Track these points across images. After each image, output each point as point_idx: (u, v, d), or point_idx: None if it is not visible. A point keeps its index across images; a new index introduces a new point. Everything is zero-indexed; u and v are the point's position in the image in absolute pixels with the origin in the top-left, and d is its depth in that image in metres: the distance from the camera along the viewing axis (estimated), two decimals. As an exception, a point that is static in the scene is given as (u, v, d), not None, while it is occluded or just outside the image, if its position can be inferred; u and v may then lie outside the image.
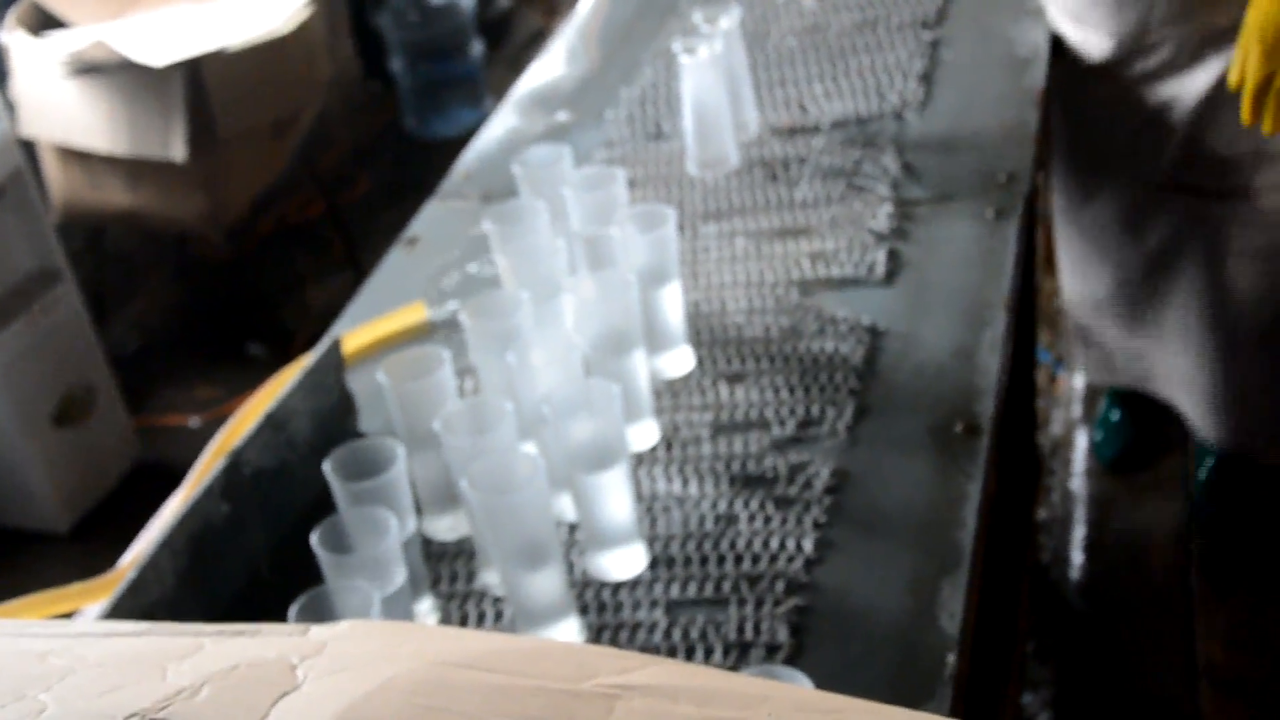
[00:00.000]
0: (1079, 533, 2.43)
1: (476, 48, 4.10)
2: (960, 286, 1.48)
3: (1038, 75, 1.85)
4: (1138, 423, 2.55)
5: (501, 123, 1.99)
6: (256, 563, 1.22)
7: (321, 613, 1.02)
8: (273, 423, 1.25)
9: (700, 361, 1.43)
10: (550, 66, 2.13)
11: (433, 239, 1.74)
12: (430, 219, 1.79)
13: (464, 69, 4.07)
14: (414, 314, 1.59)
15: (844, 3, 2.10)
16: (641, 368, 1.30)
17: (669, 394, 1.39)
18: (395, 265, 1.71)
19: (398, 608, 1.06)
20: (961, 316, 1.43)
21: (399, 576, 1.07)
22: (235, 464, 1.19)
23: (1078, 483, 2.53)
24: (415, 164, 3.60)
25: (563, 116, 1.97)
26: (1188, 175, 2.05)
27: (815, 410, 1.33)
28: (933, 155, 1.73)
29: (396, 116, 4.05)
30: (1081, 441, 2.60)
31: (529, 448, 1.21)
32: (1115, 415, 2.54)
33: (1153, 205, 2.13)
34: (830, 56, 1.98)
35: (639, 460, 1.31)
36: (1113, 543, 2.42)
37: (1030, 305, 2.07)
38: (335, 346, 1.36)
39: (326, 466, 1.14)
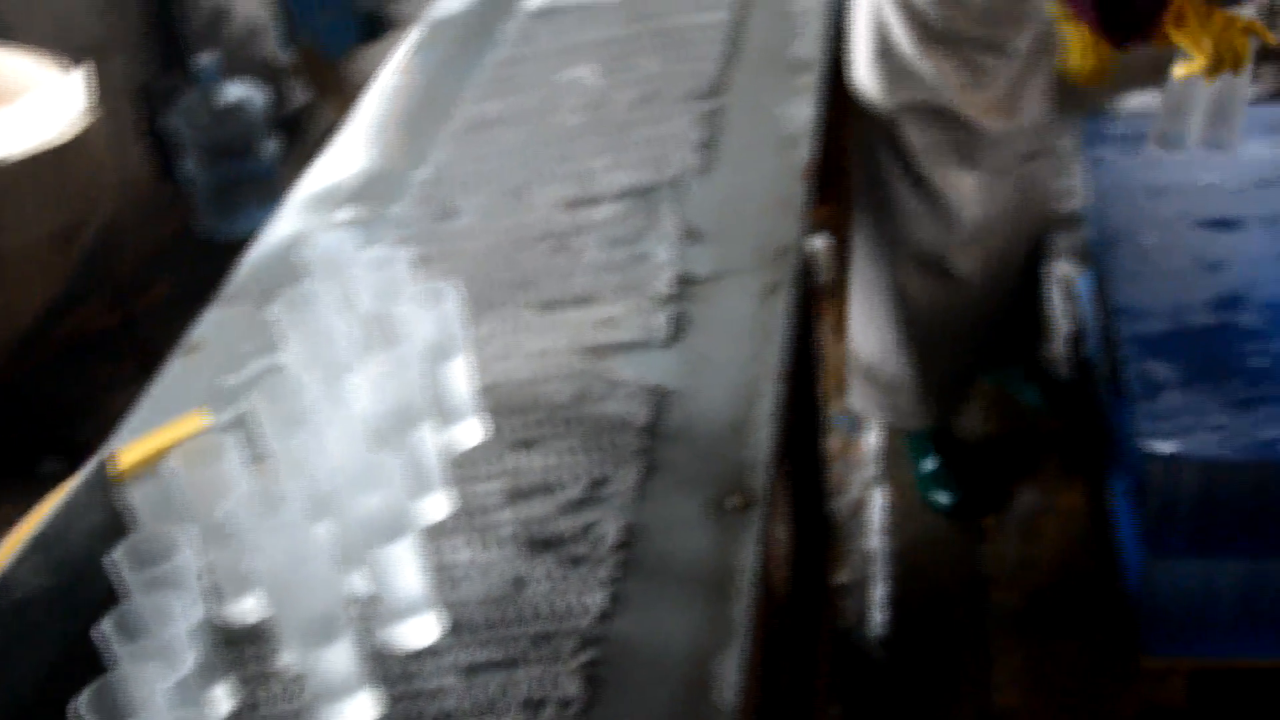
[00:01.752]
0: (879, 590, 2.54)
1: (270, 146, 4.13)
2: (736, 358, 1.56)
3: (804, 152, 1.95)
4: (956, 465, 2.70)
5: (285, 222, 2.02)
6: (22, 692, 1.22)
7: (110, 703, 1.04)
8: (39, 545, 1.25)
9: (492, 430, 1.49)
10: (336, 161, 2.18)
11: (215, 344, 1.75)
12: (212, 323, 1.80)
13: (258, 168, 4.09)
14: (194, 422, 1.59)
15: (624, 79, 2.20)
16: (430, 441, 1.35)
17: (461, 465, 1.45)
18: (176, 373, 1.70)
19: (187, 693, 1.09)
20: (737, 388, 1.51)
21: (187, 662, 1.10)
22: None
23: (876, 541, 2.64)
24: (212, 266, 3.59)
25: (348, 213, 2.01)
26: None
27: (605, 470, 1.40)
28: (712, 225, 1.82)
29: (191, 219, 4.05)
30: (879, 501, 2.72)
31: (321, 527, 1.25)
32: (930, 464, 2.68)
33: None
34: (612, 130, 2.07)
35: (434, 531, 1.36)
36: (913, 597, 2.53)
37: (811, 373, 2.16)
38: (102, 465, 1.38)
39: (112, 558, 1.16)
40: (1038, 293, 2.85)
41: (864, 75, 2.49)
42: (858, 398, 2.77)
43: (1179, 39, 2.12)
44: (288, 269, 1.78)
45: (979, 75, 2.44)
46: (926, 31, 2.40)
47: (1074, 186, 3.63)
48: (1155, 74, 2.67)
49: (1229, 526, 2.22)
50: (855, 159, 2.66)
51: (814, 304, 2.29)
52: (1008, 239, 2.63)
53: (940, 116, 2.46)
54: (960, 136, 2.48)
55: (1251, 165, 2.77)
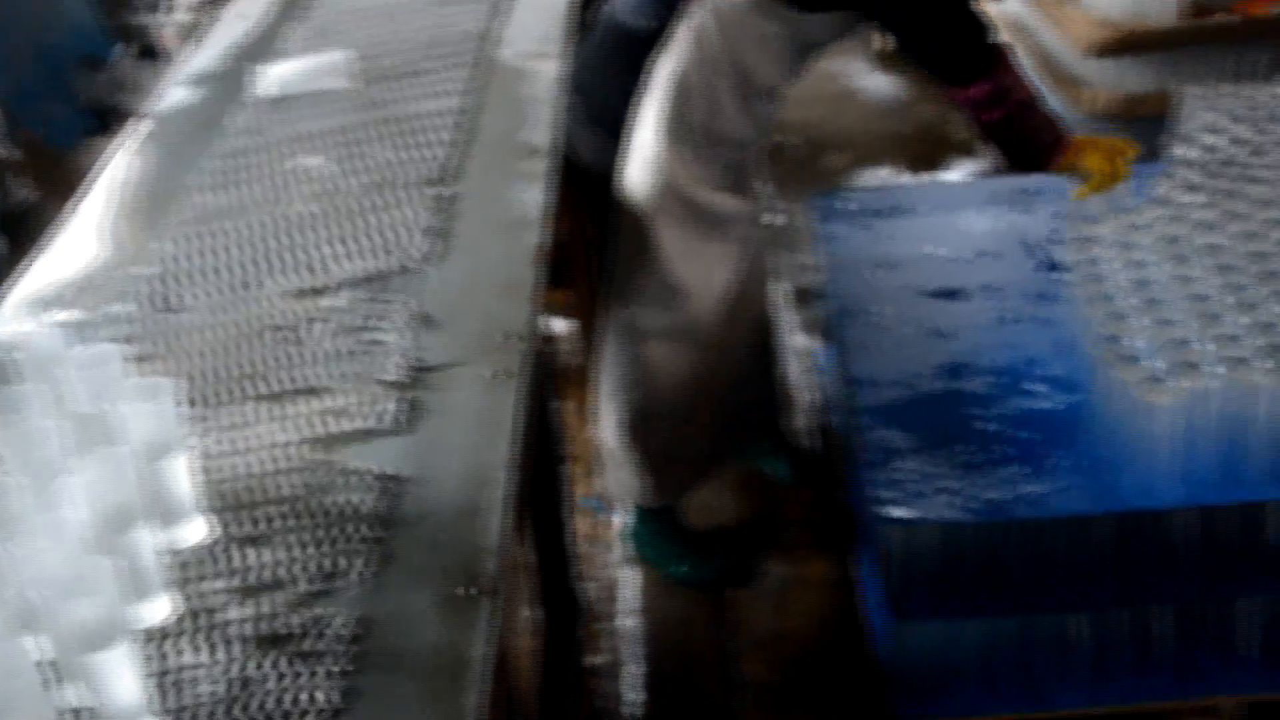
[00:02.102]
0: (633, 670, 2.57)
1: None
2: (469, 445, 1.58)
3: (535, 236, 1.98)
4: (701, 541, 2.76)
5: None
6: None
7: None
8: None
9: (218, 528, 1.47)
10: (56, 259, 2.12)
11: None
12: None
13: (-19, 267, 3.95)
14: None
15: (355, 167, 2.21)
16: (149, 542, 1.33)
17: (186, 565, 1.42)
18: None
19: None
20: (470, 475, 1.53)
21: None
22: None
23: (629, 621, 2.68)
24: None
25: (68, 313, 1.95)
26: None
27: (336, 563, 1.40)
28: (444, 311, 1.84)
29: (-92, 321, 3.89)
30: (630, 581, 2.77)
31: (31, 637, 1.21)
32: (675, 541, 2.73)
33: None
34: (343, 218, 2.07)
35: (156, 634, 1.33)
36: (666, 675, 2.58)
37: (551, 457, 2.18)
38: None
39: None
40: (776, 366, 2.95)
41: (628, 164, 2.57)
42: (607, 480, 2.81)
43: (1071, 168, 2.61)
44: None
45: (719, 168, 2.57)
46: (687, 132, 2.51)
47: (809, 261, 3.79)
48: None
49: (967, 587, 2.32)
50: (598, 240, 2.73)
51: (552, 388, 2.33)
52: (746, 310, 2.72)
53: (682, 200, 2.55)
54: (701, 216, 2.58)
55: (972, 236, 2.93)
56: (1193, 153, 2.74)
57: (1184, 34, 3.82)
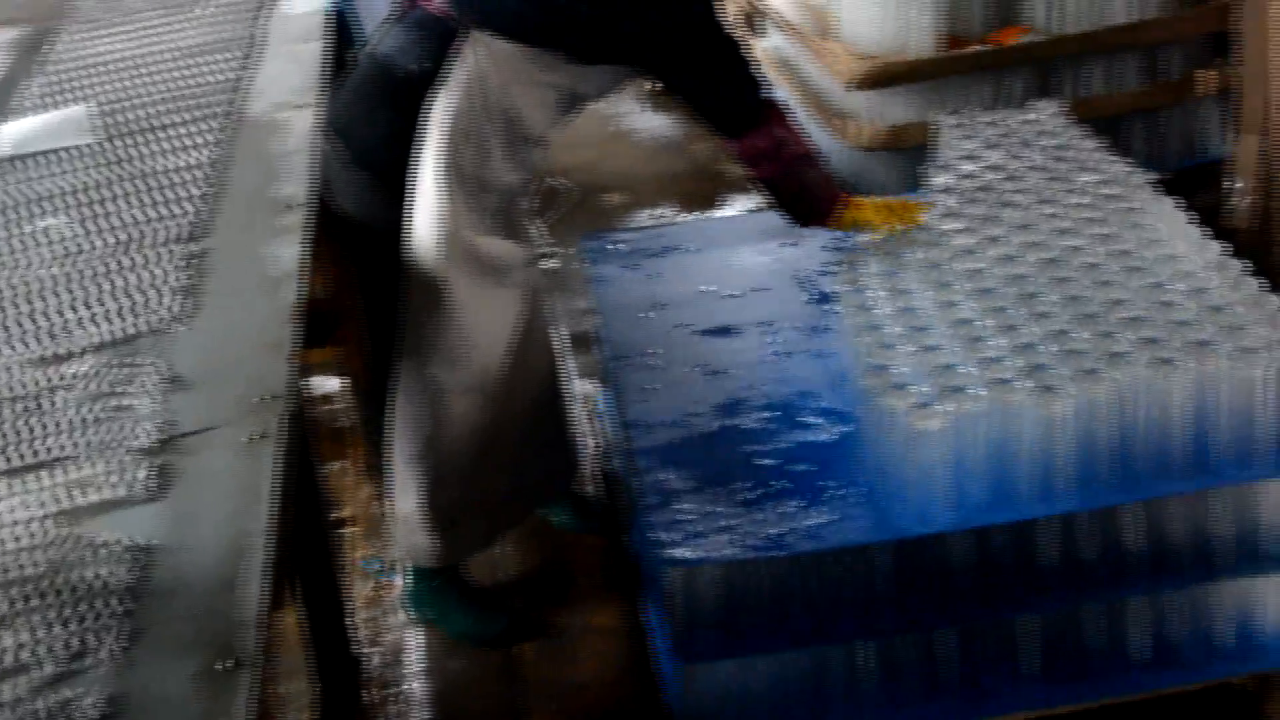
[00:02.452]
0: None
1: None
2: (225, 512, 1.56)
3: (292, 293, 1.97)
4: (484, 596, 2.77)
5: None
6: None
7: None
8: None
9: None
10: None
11: None
12: None
13: None
14: None
15: (99, 226, 2.17)
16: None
17: None
18: None
19: None
20: (226, 544, 1.51)
21: None
22: None
23: (415, 684, 2.67)
24: None
25: None
26: None
27: (86, 641, 1.37)
28: (197, 373, 1.82)
29: None
30: (415, 643, 2.76)
31: None
32: (458, 599, 2.73)
33: None
34: (88, 281, 2.03)
35: None
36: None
37: (319, 520, 2.16)
38: None
39: None
40: (565, 414, 2.97)
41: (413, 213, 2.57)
42: (396, 543, 2.78)
43: (854, 224, 2.77)
44: None
45: (491, 214, 2.59)
46: (460, 178, 2.53)
47: (585, 305, 3.84)
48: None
49: (753, 624, 2.37)
50: (370, 293, 2.73)
51: (318, 450, 2.31)
52: (532, 359, 2.74)
53: (465, 248, 2.56)
54: (484, 264, 2.58)
55: (745, 272, 3.01)
56: (951, 180, 2.86)
57: (942, 65, 3.99)
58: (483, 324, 2.61)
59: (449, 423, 2.63)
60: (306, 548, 2.06)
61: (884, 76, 3.97)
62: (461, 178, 2.53)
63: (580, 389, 3.61)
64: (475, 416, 2.64)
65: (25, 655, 1.36)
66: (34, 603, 1.43)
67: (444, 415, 2.62)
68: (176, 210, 2.18)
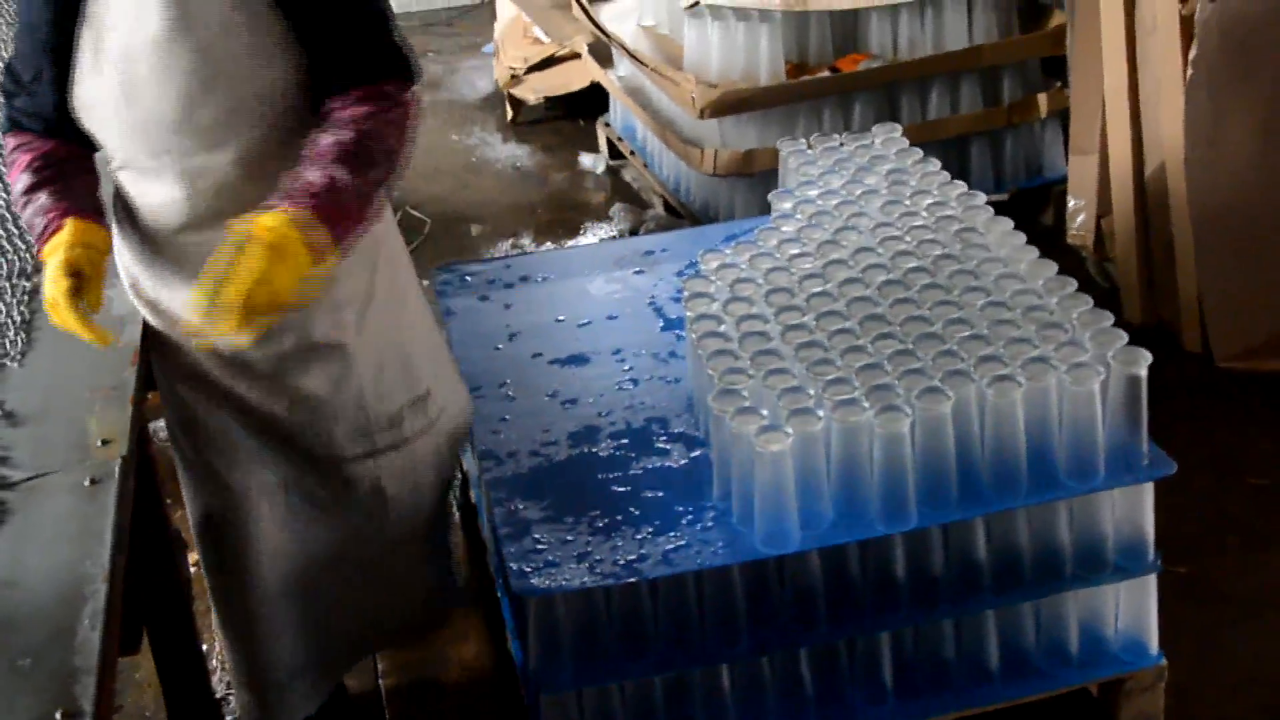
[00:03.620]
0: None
1: None
2: (63, 558, 1.58)
3: (134, 335, 1.97)
4: None
5: None
6: None
7: None
8: None
9: None
10: None
11: None
12: None
13: None
14: None
15: None
16: None
17: None
18: None
19: None
20: (64, 590, 1.52)
21: None
22: None
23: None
24: None
25: None
26: None
27: None
28: (34, 412, 1.82)
29: None
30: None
31: None
32: None
33: None
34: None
35: None
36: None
37: (169, 565, 2.14)
38: None
39: None
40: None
41: None
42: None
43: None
44: None
45: None
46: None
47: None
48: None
49: (611, 650, 2.41)
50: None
51: (165, 490, 2.30)
52: None
53: None
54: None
55: (598, 300, 3.06)
56: (793, 206, 2.94)
57: (786, 91, 4.11)
58: None
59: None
60: (158, 592, 2.06)
61: (730, 104, 4.07)
62: None
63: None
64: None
65: None
66: None
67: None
68: (19, 244, 2.18)
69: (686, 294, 2.74)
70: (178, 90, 1.96)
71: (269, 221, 1.87)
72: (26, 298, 2.06)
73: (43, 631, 1.46)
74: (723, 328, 2.60)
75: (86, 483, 1.69)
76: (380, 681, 2.84)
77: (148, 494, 1.94)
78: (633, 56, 4.49)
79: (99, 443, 1.77)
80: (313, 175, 1.96)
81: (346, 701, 2.62)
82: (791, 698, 2.53)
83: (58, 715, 1.34)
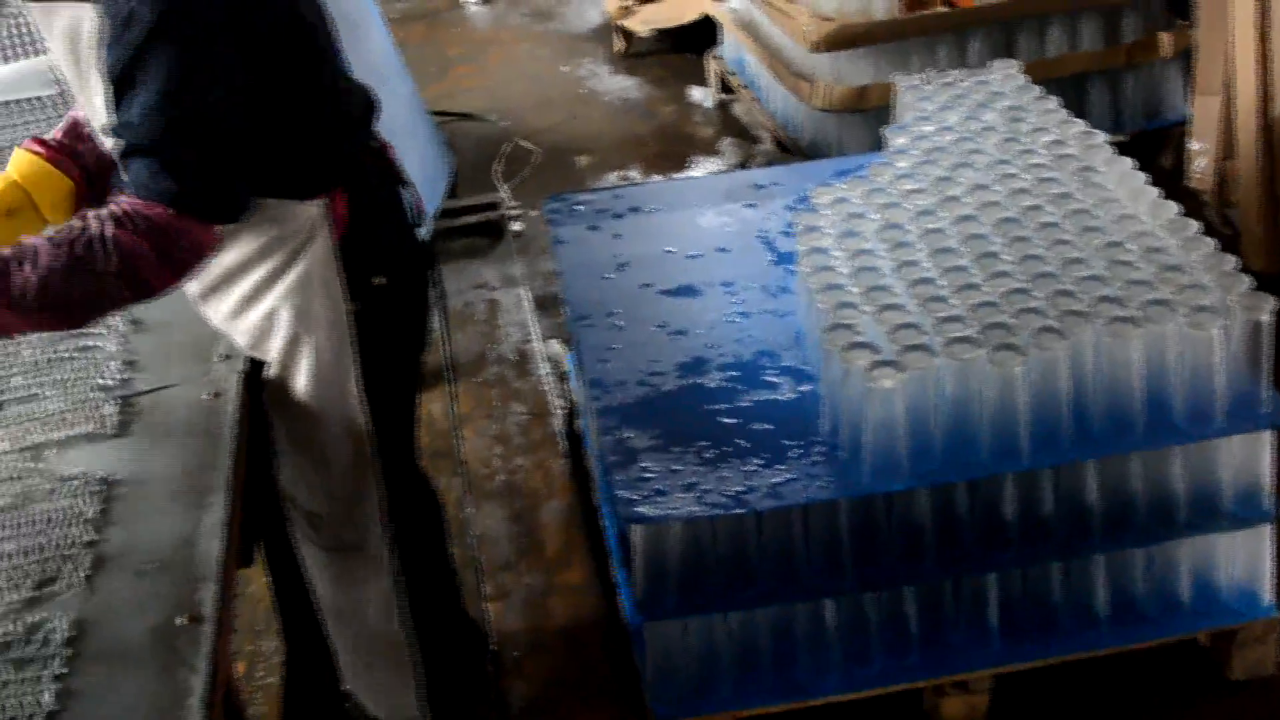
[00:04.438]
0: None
1: None
2: (181, 472, 1.64)
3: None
4: None
5: None
6: None
7: None
8: None
9: None
10: None
11: None
12: None
13: None
14: None
15: None
16: None
17: None
18: None
19: None
20: (182, 505, 1.59)
21: None
22: None
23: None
24: None
25: None
26: None
27: (51, 568, 1.45)
28: (156, 327, 1.92)
29: None
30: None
31: None
32: None
33: None
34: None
35: None
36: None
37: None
38: None
39: None
40: None
41: None
42: None
43: None
44: None
45: None
46: None
47: (550, 267, 3.91)
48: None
49: (716, 581, 2.44)
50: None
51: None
52: None
53: None
54: None
55: (708, 233, 3.07)
56: (909, 141, 2.93)
57: (902, 26, 4.08)
58: None
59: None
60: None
61: (845, 38, 4.06)
62: None
63: (550, 350, 3.70)
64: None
65: None
66: (4, 532, 1.50)
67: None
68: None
69: (799, 228, 2.74)
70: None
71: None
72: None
73: (165, 539, 1.52)
74: (835, 262, 2.61)
75: (206, 396, 1.75)
76: (485, 605, 2.89)
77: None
78: (747, -12, 4.49)
79: (219, 358, 1.83)
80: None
81: (465, 622, 2.67)
82: (895, 636, 2.54)
83: (178, 620, 1.40)
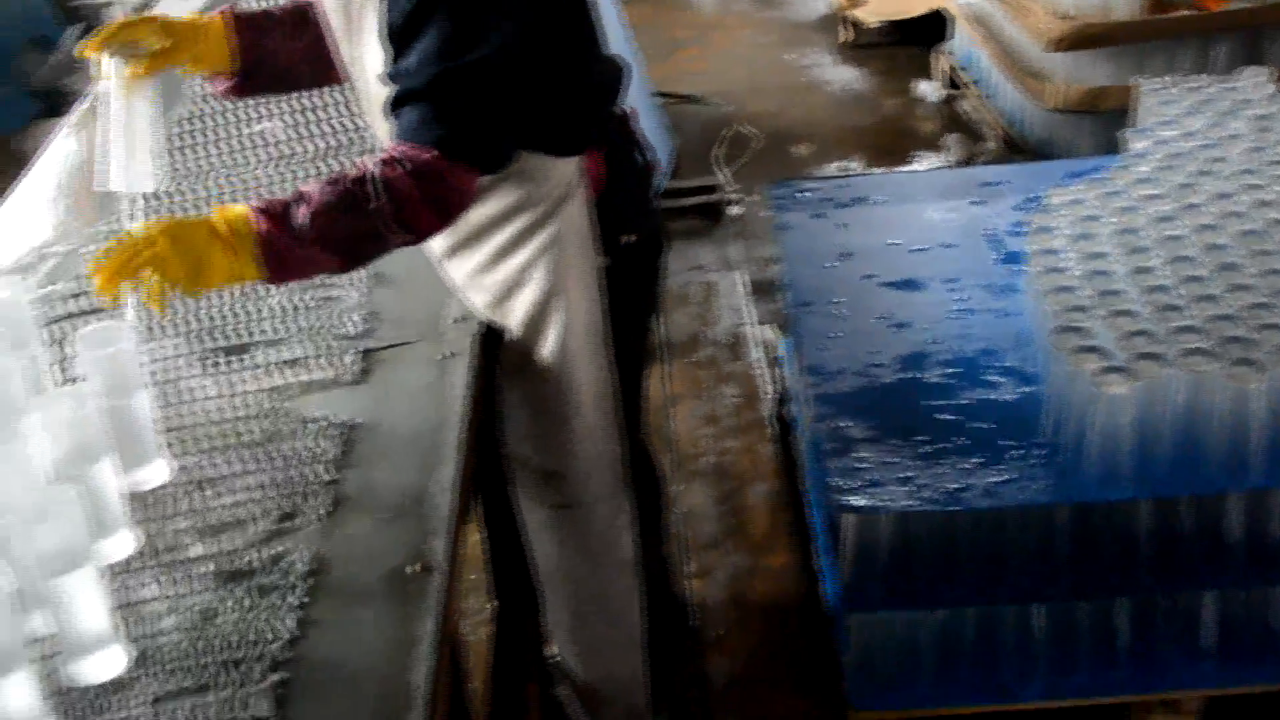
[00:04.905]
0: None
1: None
2: (415, 427, 1.69)
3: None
4: None
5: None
6: None
7: None
8: None
9: (178, 470, 1.60)
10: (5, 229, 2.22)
11: None
12: None
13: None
14: None
15: (311, 132, 2.33)
16: (110, 479, 1.41)
17: (149, 504, 1.55)
18: None
19: None
20: (416, 458, 1.63)
21: None
22: None
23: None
24: None
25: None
26: None
27: (295, 504, 1.53)
28: (396, 281, 1.99)
29: None
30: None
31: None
32: None
33: None
34: (300, 181, 2.17)
35: (119, 569, 1.43)
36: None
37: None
38: None
39: None
40: None
41: None
42: None
43: None
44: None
45: None
46: None
47: (769, 253, 3.91)
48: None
49: (924, 577, 2.42)
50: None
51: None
52: None
53: None
54: None
55: (933, 227, 3.04)
56: (1149, 146, 2.87)
57: (1146, 28, 3.98)
58: None
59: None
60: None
61: (1085, 38, 3.97)
62: None
63: (763, 335, 3.71)
64: None
65: (242, 512, 1.52)
66: (251, 466, 1.59)
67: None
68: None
69: (1031, 227, 2.70)
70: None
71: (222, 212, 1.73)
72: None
73: (399, 490, 1.57)
74: (1066, 264, 2.57)
75: (441, 357, 1.79)
76: (689, 584, 2.91)
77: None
78: (983, -17, 4.43)
79: (454, 320, 1.87)
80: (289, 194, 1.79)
81: (670, 597, 2.69)
82: (1104, 647, 2.49)
83: (409, 569, 1.44)
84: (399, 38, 1.77)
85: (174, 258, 1.59)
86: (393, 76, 1.78)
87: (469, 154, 1.78)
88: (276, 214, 1.67)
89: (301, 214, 1.67)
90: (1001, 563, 2.41)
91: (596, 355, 2.06)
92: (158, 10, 2.20)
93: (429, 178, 1.73)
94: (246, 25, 1.98)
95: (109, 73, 1.79)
